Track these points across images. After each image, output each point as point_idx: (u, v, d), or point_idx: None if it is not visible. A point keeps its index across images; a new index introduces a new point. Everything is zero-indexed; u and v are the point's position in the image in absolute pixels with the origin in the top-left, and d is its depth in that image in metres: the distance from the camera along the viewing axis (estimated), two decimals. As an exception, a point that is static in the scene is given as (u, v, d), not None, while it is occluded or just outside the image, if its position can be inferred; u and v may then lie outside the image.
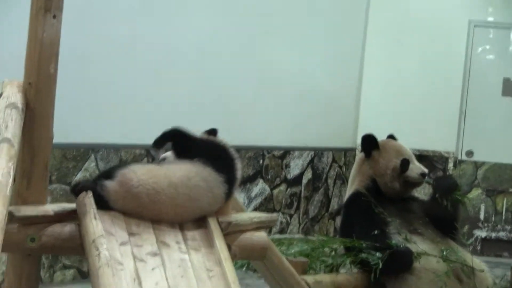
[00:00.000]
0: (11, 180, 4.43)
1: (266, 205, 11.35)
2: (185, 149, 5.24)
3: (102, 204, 4.79)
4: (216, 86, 10.51)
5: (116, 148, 9.21)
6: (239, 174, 5.22)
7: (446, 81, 12.94)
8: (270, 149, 11.24)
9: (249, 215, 5.44)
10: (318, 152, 12.20)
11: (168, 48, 10.12)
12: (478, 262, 6.87)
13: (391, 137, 7.40)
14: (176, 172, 4.94)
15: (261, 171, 11.04)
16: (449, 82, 12.94)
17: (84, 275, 8.82)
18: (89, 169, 9.03)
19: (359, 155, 7.42)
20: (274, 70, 11.50)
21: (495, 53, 13.18)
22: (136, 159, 9.50)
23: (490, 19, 13.10)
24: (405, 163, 7.06)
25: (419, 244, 6.78)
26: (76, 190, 4.87)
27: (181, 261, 4.69)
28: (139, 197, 4.82)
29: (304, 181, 12.00)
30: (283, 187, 11.49)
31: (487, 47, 13.20)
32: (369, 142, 7.19)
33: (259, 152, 10.82)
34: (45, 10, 4.87)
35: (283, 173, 11.52)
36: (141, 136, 9.48)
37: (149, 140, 9.47)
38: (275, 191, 11.77)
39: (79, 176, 8.93)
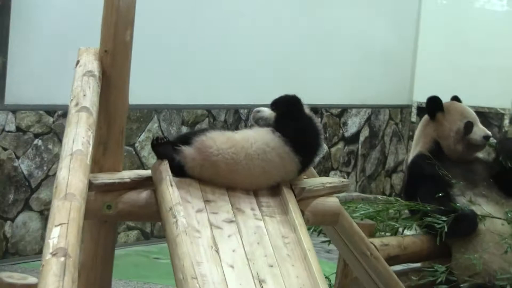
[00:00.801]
0: (90, 148, 4.49)
1: (324, 163, 11.38)
2: (291, 119, 5.14)
3: (178, 170, 4.79)
4: (277, 47, 10.46)
5: (178, 109, 9.21)
6: (317, 159, 5.21)
7: (504, 37, 12.81)
8: (328, 107, 11.21)
9: (322, 180, 5.42)
10: (375, 110, 12.17)
11: (230, 12, 10.19)
12: (542, 223, 6.87)
13: (455, 98, 7.37)
14: (253, 143, 4.91)
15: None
16: (508, 38, 12.80)
17: (147, 236, 8.85)
18: (152, 130, 9.04)
19: (424, 117, 7.37)
20: (333, 28, 11.52)
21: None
22: (198, 120, 9.51)
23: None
24: (469, 125, 7.05)
25: (483, 206, 6.79)
26: (157, 153, 4.90)
27: (256, 228, 4.71)
28: (217, 165, 4.81)
29: (361, 139, 11.99)
30: (340, 145, 11.51)
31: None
32: (434, 104, 7.18)
33: (317, 111, 10.72)
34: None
35: (341, 131, 11.50)
36: (202, 97, 9.50)
37: (211, 101, 9.53)
38: (333, 150, 11.77)
39: (142, 137, 8.95)
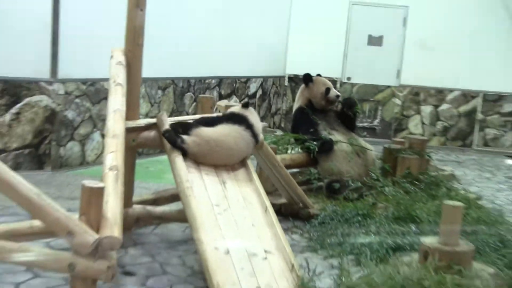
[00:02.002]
0: (124, 108, 4.66)
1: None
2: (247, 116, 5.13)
3: (182, 152, 4.68)
4: (203, 33, 10.09)
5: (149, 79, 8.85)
6: (257, 129, 5.10)
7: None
8: (238, 78, 11.15)
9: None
10: (265, 78, 12.14)
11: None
12: (367, 145, 7.17)
13: (319, 75, 7.59)
14: (230, 133, 4.87)
15: (235, 91, 11.09)
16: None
17: (139, 153, 8.58)
18: (141, 92, 8.58)
19: (302, 85, 7.52)
20: (239, 28, 10.90)
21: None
22: (166, 86, 9.35)
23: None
24: (328, 89, 7.31)
25: (336, 136, 7.07)
26: (168, 140, 4.73)
27: (235, 193, 4.69)
28: (207, 148, 4.74)
29: (257, 95, 11.97)
30: (246, 99, 11.00)
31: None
32: (307, 77, 7.41)
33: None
34: (136, 5, 5.02)
35: (246, 91, 11.32)
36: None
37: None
38: (242, 102, 11.24)
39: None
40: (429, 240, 4.36)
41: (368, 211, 5.82)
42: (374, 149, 7.23)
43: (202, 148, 4.74)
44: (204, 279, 4.25)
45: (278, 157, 6.02)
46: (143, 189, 6.44)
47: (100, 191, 3.57)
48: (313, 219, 5.85)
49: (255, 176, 4.74)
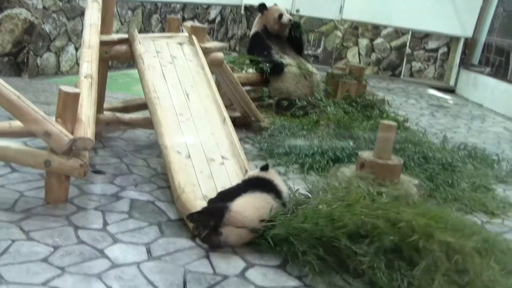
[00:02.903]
0: (99, 22, 4.40)
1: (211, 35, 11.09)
2: None
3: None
4: None
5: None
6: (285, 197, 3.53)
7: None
8: (201, 4, 10.76)
9: (215, 44, 5.43)
10: (223, 6, 11.79)
11: None
12: (313, 69, 7.08)
13: (275, 5, 7.34)
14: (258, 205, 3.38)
15: (196, 16, 10.74)
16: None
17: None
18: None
19: (258, 14, 7.25)
20: None
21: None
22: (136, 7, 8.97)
23: None
24: (281, 15, 7.08)
25: (287, 60, 6.95)
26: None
27: (184, 66, 4.74)
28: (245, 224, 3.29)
29: (216, 21, 11.66)
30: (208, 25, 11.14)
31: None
32: (263, 6, 7.17)
33: (197, 6, 10.46)
34: None
35: (207, 17, 11.21)
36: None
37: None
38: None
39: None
40: (365, 154, 4.38)
41: (312, 127, 5.78)
42: (318, 73, 7.14)
43: (240, 232, 3.30)
44: (166, 180, 4.18)
45: (235, 75, 5.89)
46: (112, 99, 6.20)
47: (76, 96, 3.41)
48: (263, 132, 5.78)
49: (215, 90, 4.59)
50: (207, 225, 3.25)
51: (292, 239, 3.16)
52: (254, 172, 3.73)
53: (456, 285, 2.89)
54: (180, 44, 5.01)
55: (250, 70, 6.91)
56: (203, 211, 3.29)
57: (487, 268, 2.95)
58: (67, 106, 3.39)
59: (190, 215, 3.31)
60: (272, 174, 3.66)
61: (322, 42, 12.92)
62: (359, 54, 12.88)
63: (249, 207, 3.30)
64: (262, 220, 3.29)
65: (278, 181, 3.63)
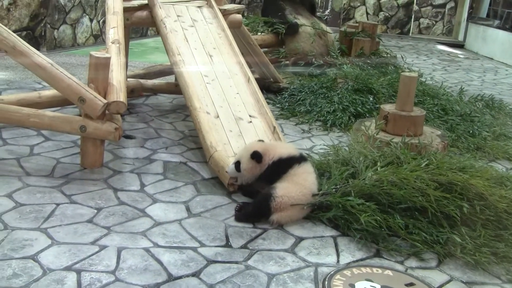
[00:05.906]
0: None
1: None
2: None
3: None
4: None
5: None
6: None
7: None
8: None
9: (234, 6, 5.37)
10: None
11: None
12: (327, 28, 7.02)
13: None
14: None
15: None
16: None
17: None
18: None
19: None
20: None
21: None
22: None
23: None
24: None
25: (301, 20, 6.89)
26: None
27: (205, 29, 4.70)
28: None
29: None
30: None
31: None
32: None
33: None
34: None
35: None
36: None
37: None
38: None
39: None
40: (387, 107, 4.35)
41: (330, 85, 5.73)
42: (332, 31, 7.08)
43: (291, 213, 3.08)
44: (195, 142, 4.20)
45: (254, 37, 5.84)
46: (130, 67, 6.17)
47: (107, 61, 3.38)
48: (283, 92, 5.75)
49: (237, 51, 4.55)
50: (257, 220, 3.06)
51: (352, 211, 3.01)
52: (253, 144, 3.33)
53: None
54: (199, 7, 4.95)
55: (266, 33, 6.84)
56: (251, 214, 3.07)
57: None
58: (99, 71, 3.37)
59: (238, 220, 3.06)
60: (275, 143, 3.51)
61: (330, 3, 12.74)
62: (367, 13, 12.72)
63: (292, 186, 3.06)
64: (315, 195, 3.11)
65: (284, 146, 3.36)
